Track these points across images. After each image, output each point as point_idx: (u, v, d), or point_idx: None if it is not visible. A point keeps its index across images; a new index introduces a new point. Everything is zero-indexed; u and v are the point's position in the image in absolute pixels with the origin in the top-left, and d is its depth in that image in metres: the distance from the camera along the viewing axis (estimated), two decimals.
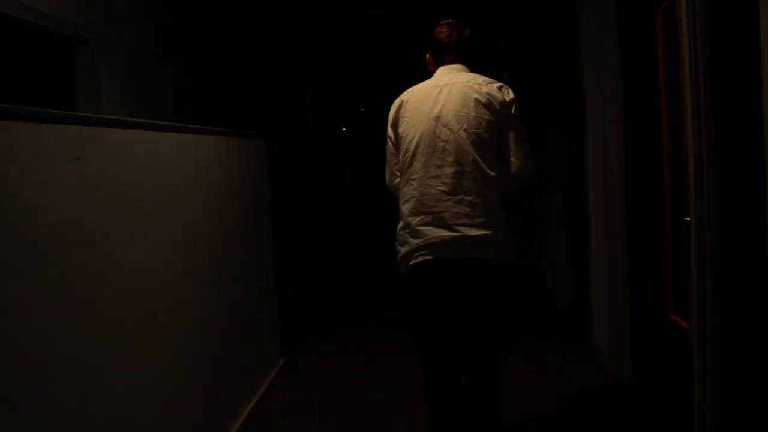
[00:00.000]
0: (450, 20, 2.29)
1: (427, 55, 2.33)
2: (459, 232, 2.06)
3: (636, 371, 2.96)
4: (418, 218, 2.12)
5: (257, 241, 3.24)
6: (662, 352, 2.62)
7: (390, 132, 2.28)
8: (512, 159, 2.14)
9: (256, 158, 3.32)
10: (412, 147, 2.15)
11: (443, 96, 2.14)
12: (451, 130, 2.10)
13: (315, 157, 6.83)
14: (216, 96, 4.06)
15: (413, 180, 2.15)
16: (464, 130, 2.09)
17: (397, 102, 2.27)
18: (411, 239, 2.15)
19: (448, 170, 2.09)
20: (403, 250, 2.18)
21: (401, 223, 2.20)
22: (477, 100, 2.10)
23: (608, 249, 3.11)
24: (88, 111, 2.74)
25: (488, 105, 2.10)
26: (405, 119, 2.20)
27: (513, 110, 2.14)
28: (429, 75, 2.30)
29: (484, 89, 2.12)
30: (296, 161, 5.74)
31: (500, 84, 2.17)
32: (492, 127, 2.11)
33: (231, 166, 2.91)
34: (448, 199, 2.08)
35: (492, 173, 2.10)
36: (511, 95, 2.15)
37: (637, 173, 2.86)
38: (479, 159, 2.08)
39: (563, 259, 4.33)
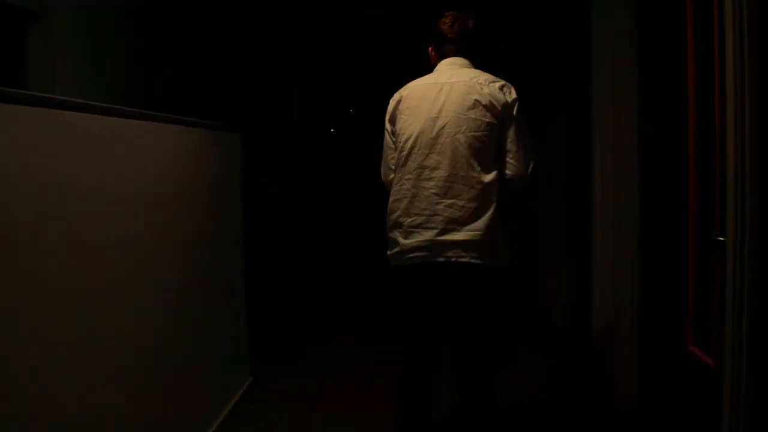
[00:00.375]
0: (454, 12, 2.22)
1: (430, 48, 2.28)
2: (450, 235, 2.04)
3: (643, 402, 2.67)
4: (410, 219, 2.10)
5: (224, 241, 2.92)
6: (677, 388, 2.33)
7: (388, 126, 2.25)
8: (511, 161, 2.10)
9: (228, 152, 3.01)
10: (408, 146, 2.12)
11: (443, 95, 2.09)
12: (448, 132, 2.06)
13: (309, 154, 6.52)
14: (192, 85, 3.73)
15: (407, 180, 2.12)
16: (462, 132, 2.05)
17: (396, 96, 2.22)
18: (402, 240, 2.12)
19: (443, 173, 2.05)
20: (394, 249, 2.16)
21: (391, 222, 2.17)
22: (477, 101, 2.05)
23: (616, 267, 2.81)
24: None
25: (489, 107, 2.05)
26: (403, 116, 2.16)
27: (514, 111, 2.09)
28: (430, 69, 2.22)
29: (486, 89, 2.07)
30: (287, 159, 5.43)
31: (503, 83, 2.11)
32: (492, 129, 2.06)
33: (197, 160, 2.60)
34: (441, 202, 2.05)
35: (488, 178, 2.05)
36: (514, 95, 2.10)
37: (654, 180, 2.57)
38: (476, 163, 2.04)
39: (562, 273, 4.04)
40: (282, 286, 5.09)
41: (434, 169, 2.07)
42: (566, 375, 3.34)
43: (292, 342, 4.00)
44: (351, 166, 8.01)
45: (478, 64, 2.20)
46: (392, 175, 2.21)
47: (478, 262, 2.04)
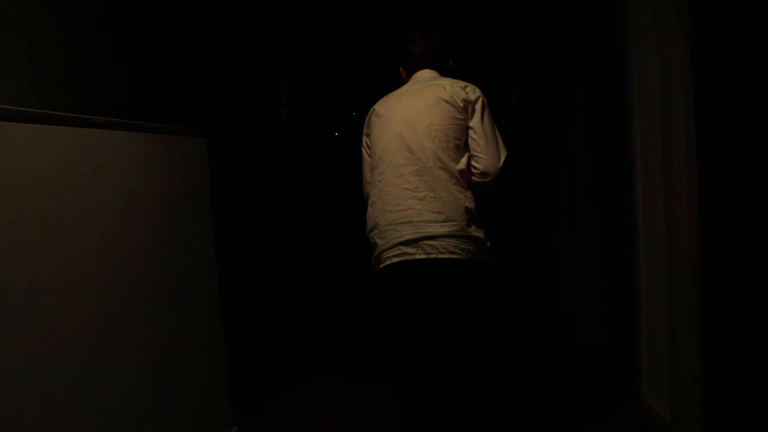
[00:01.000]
0: (421, 32, 2.32)
1: (401, 69, 2.37)
2: (425, 230, 2.04)
3: None
4: (384, 217, 2.12)
5: (187, 263, 2.42)
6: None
7: (364, 139, 2.32)
8: (480, 155, 2.12)
9: (189, 159, 2.51)
10: (378, 150, 2.19)
11: (409, 98, 2.18)
12: (414, 129, 2.11)
13: (301, 160, 5.95)
14: (158, 84, 3.21)
15: (379, 181, 2.17)
16: (427, 127, 2.10)
17: (370, 111, 2.30)
18: (379, 240, 2.14)
19: (412, 167, 2.09)
20: (374, 252, 2.17)
21: (369, 226, 2.19)
22: (440, 98, 2.12)
23: (672, 275, 2.29)
24: None
25: (452, 102, 2.11)
26: (375, 125, 2.24)
27: (479, 107, 2.14)
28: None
29: (448, 89, 2.14)
30: (269, 166, 4.89)
31: (466, 84, 2.18)
32: (457, 124, 2.11)
33: (150, 168, 2.12)
34: (413, 197, 2.08)
35: (459, 170, 2.08)
36: (477, 93, 2.16)
37: (721, 190, 2.05)
38: (443, 156, 2.08)
39: (591, 283, 3.51)
40: (265, 312, 4.57)
41: (403, 165, 2.10)
42: (602, 406, 2.82)
43: (279, 379, 3.44)
44: (352, 174, 7.36)
45: (446, 73, 2.29)
46: (369, 187, 2.25)
47: (458, 257, 2.03)
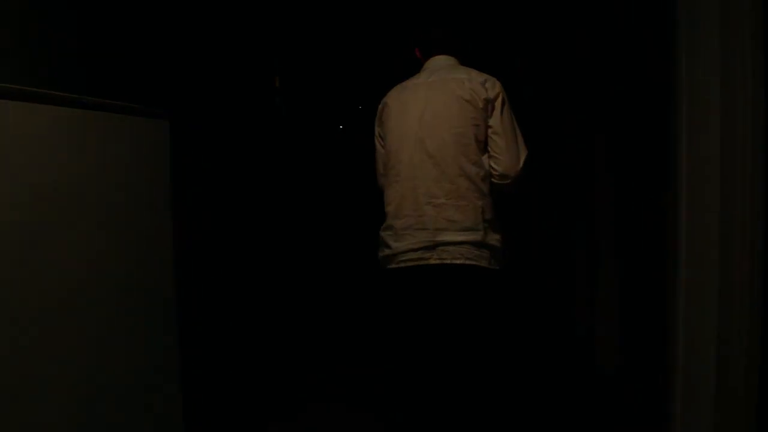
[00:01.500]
0: (436, 22, 2.24)
1: (416, 50, 2.27)
2: (441, 237, 2.03)
3: None
4: (400, 221, 2.10)
5: (134, 268, 2.02)
6: None
7: (377, 130, 2.27)
8: (499, 156, 2.06)
9: (144, 144, 2.11)
10: (394, 148, 2.14)
11: (426, 95, 2.11)
12: (434, 131, 2.06)
13: (298, 156, 5.51)
14: (120, 58, 2.79)
15: (395, 182, 2.13)
16: (447, 130, 2.05)
17: (382, 101, 2.24)
18: (393, 242, 2.11)
19: (431, 172, 2.05)
20: (385, 251, 2.14)
21: (384, 224, 2.17)
22: (460, 97, 2.05)
23: (727, 299, 1.87)
24: None
25: (471, 101, 2.04)
26: (389, 120, 2.17)
27: (498, 104, 2.06)
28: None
29: (467, 85, 2.06)
30: (259, 160, 4.46)
31: (485, 78, 2.08)
32: (477, 124, 2.05)
33: (88, 153, 1.75)
34: (429, 203, 2.05)
35: (478, 175, 2.05)
36: (497, 89, 2.07)
37: None
38: (463, 160, 2.04)
39: (614, 302, 3.09)
40: (254, 321, 4.08)
41: (420, 168, 2.06)
42: None
43: (270, 409, 2.93)
44: (359, 171, 6.84)
45: (465, 60, 2.21)
46: (383, 180, 2.23)
47: (473, 263, 2.00)
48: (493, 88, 2.06)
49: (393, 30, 5.17)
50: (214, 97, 3.58)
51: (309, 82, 6.01)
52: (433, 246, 2.02)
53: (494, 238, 2.05)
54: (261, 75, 4.62)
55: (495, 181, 2.07)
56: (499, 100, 2.06)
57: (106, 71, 2.57)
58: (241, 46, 4.17)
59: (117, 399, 1.86)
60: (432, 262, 2.02)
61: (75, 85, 2.25)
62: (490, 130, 2.05)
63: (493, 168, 2.06)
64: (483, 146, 2.06)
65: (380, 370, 3.02)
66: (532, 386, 3.11)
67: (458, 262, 1.99)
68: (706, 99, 1.94)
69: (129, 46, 2.75)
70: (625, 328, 2.95)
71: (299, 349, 3.91)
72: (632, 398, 2.74)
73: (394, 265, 2.10)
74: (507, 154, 2.04)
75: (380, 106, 2.24)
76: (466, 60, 2.21)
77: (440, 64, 2.18)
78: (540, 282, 4.64)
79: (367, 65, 6.53)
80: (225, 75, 3.81)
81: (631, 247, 2.86)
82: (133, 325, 1.97)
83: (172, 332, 2.21)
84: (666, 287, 2.33)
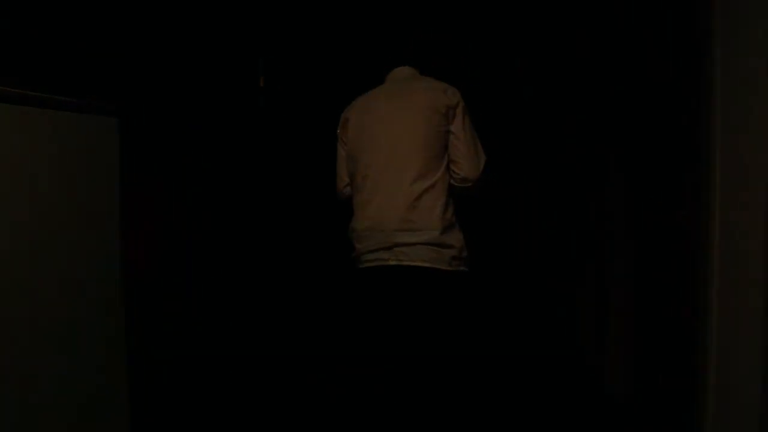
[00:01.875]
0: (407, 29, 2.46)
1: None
2: (396, 239, 2.07)
3: None
4: (360, 224, 2.18)
5: (79, 281, 1.74)
6: None
7: (340, 135, 2.34)
8: (461, 161, 2.13)
9: (88, 142, 1.82)
10: (357, 155, 2.21)
11: (387, 102, 2.19)
12: (395, 137, 2.12)
13: (275, 154, 5.18)
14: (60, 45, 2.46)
15: (360, 187, 2.19)
16: (411, 137, 2.11)
17: (344, 114, 2.32)
18: (357, 245, 2.20)
19: (391, 176, 2.10)
20: (352, 253, 2.23)
21: (349, 227, 2.25)
22: (422, 106, 2.12)
23: None
24: None
25: (432, 108, 2.11)
26: (352, 128, 2.25)
27: (459, 112, 2.14)
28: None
29: (429, 94, 2.14)
30: (230, 159, 4.14)
31: (446, 86, 2.18)
32: (439, 131, 2.12)
33: (20, 150, 1.46)
34: (389, 206, 2.10)
35: (437, 178, 2.10)
36: (457, 97, 2.15)
37: None
38: (423, 166, 2.08)
39: (627, 321, 2.80)
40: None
41: (382, 173, 2.12)
42: None
43: None
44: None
45: (424, 71, 2.29)
46: (346, 186, 2.33)
47: (428, 265, 2.04)
48: (454, 95, 2.15)
49: (383, 32, 4.93)
50: (188, 94, 3.28)
51: (295, 82, 5.74)
52: (391, 246, 2.07)
53: (452, 239, 2.08)
54: (244, 75, 4.33)
55: (456, 184, 2.15)
56: (460, 107, 2.14)
57: (53, 64, 2.26)
58: (223, 44, 3.89)
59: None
60: (391, 263, 2.08)
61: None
62: (452, 136, 2.13)
63: (454, 172, 2.14)
64: (443, 153, 2.13)
65: (380, 371, 2.90)
66: (538, 413, 2.82)
67: (415, 264, 2.05)
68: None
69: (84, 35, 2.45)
70: (640, 352, 2.66)
71: (299, 350, 3.66)
72: (646, 428, 2.45)
73: (362, 265, 2.18)
74: (467, 159, 2.13)
75: (343, 119, 2.32)
76: (425, 71, 2.31)
77: (401, 75, 2.28)
78: (542, 294, 4.37)
79: (356, 67, 6.27)
80: (202, 73, 3.52)
81: (646, 263, 2.58)
82: (74, 322, 1.68)
83: (119, 332, 1.92)
84: (689, 306, 2.05)
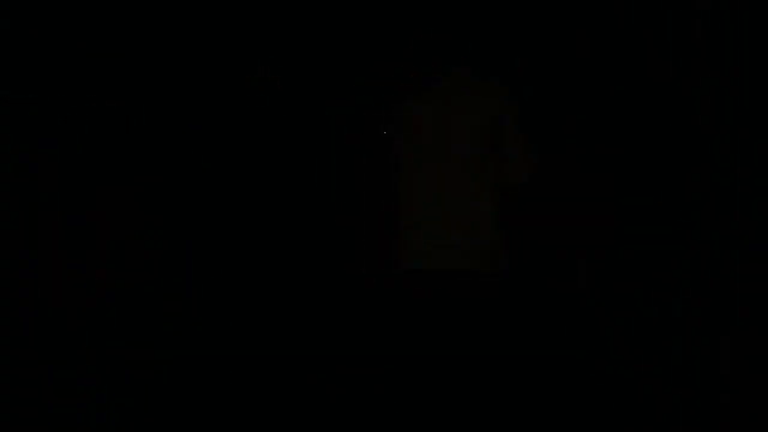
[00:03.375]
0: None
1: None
2: (443, 241, 2.10)
3: None
4: (409, 221, 2.17)
5: None
6: None
7: (378, 137, 2.38)
8: (507, 161, 2.16)
9: None
10: (403, 154, 2.19)
11: (428, 100, 2.17)
12: (438, 139, 2.11)
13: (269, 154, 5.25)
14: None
15: (406, 187, 2.17)
16: (453, 137, 2.10)
17: (380, 111, 2.36)
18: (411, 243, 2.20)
19: (435, 177, 2.10)
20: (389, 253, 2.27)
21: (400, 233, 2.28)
22: (462, 105, 2.13)
23: None
24: None
25: (474, 109, 2.13)
26: (390, 127, 2.27)
27: (502, 110, 2.16)
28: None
29: (469, 93, 2.15)
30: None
31: (485, 82, 2.18)
32: (483, 132, 2.12)
33: None
34: (437, 206, 2.11)
35: (483, 178, 2.11)
36: (499, 93, 2.17)
37: None
38: (467, 167, 2.10)
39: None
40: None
41: (428, 174, 2.10)
42: None
43: None
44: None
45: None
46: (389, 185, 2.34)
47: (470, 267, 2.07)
48: (493, 92, 2.17)
49: (383, 32, 5.00)
50: (188, 94, 3.36)
51: (295, 82, 5.84)
52: (437, 249, 2.09)
53: (492, 241, 2.12)
54: (244, 74, 4.42)
55: (501, 184, 2.18)
56: (502, 105, 2.16)
57: None
58: (223, 45, 3.96)
59: None
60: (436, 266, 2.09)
61: None
62: (497, 135, 2.14)
63: (500, 171, 2.16)
64: (488, 152, 2.14)
65: (380, 371, 2.97)
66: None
67: (457, 266, 2.08)
68: None
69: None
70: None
71: (297, 349, 3.74)
72: None
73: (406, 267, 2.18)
74: (513, 157, 2.17)
75: (378, 117, 2.34)
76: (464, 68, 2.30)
77: (439, 72, 2.27)
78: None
79: (356, 67, 6.36)
80: (202, 73, 3.60)
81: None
82: None
83: None
84: None
